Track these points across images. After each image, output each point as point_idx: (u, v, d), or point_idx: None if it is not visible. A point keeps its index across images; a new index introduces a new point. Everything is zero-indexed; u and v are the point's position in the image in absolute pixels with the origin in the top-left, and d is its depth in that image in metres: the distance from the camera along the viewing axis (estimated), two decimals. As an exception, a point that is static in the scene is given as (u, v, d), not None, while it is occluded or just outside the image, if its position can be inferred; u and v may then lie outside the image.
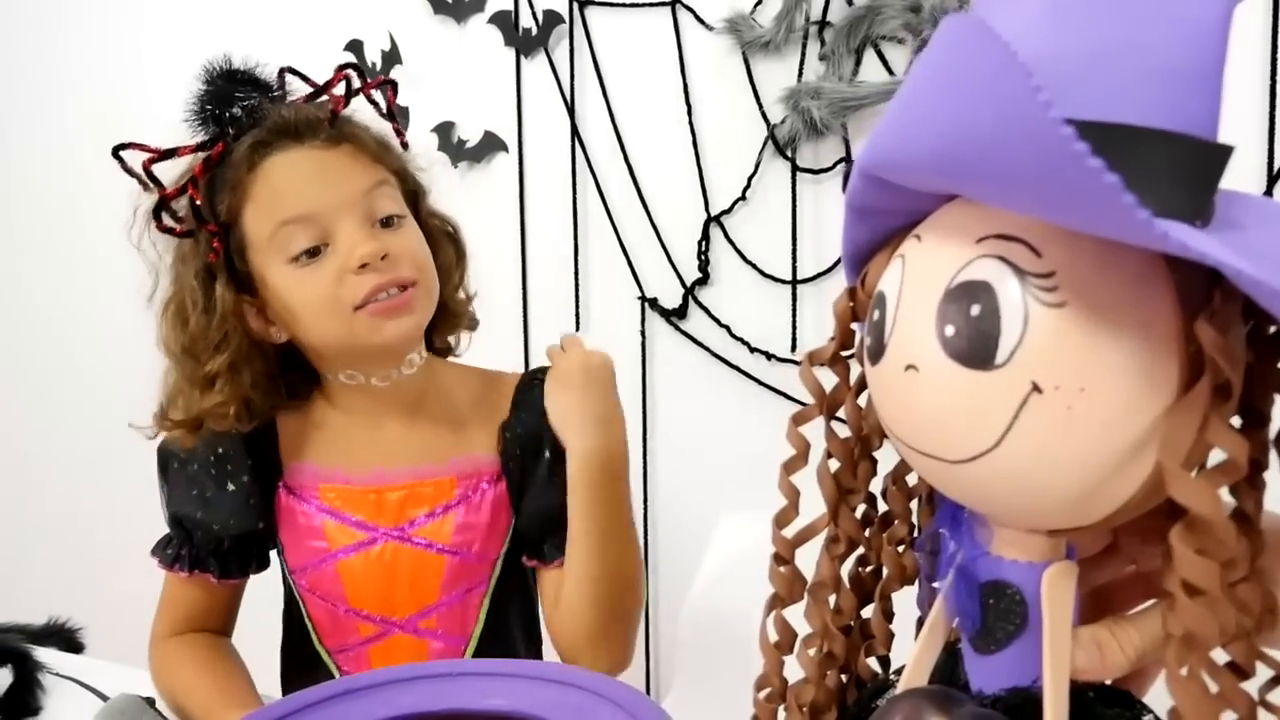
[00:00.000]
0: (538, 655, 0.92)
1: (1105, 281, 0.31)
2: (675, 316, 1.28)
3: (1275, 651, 0.34)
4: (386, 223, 0.76)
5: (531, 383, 0.85)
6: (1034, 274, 0.31)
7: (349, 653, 0.84)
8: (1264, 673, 0.34)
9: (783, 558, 0.41)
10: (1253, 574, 0.33)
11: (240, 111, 0.74)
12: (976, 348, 0.32)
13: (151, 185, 0.73)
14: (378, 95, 0.80)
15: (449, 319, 0.85)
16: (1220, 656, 0.33)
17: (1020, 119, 0.27)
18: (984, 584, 0.36)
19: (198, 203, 0.74)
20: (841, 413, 0.41)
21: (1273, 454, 0.34)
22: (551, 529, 0.84)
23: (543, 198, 1.33)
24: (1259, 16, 1.00)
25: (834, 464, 0.40)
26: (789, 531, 0.41)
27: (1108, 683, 0.37)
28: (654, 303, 1.29)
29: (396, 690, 0.53)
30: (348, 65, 0.80)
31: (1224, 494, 0.32)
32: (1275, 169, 1.02)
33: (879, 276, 0.37)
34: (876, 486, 0.42)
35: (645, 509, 1.33)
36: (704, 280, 1.26)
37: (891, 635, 0.43)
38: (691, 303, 1.27)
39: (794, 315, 1.22)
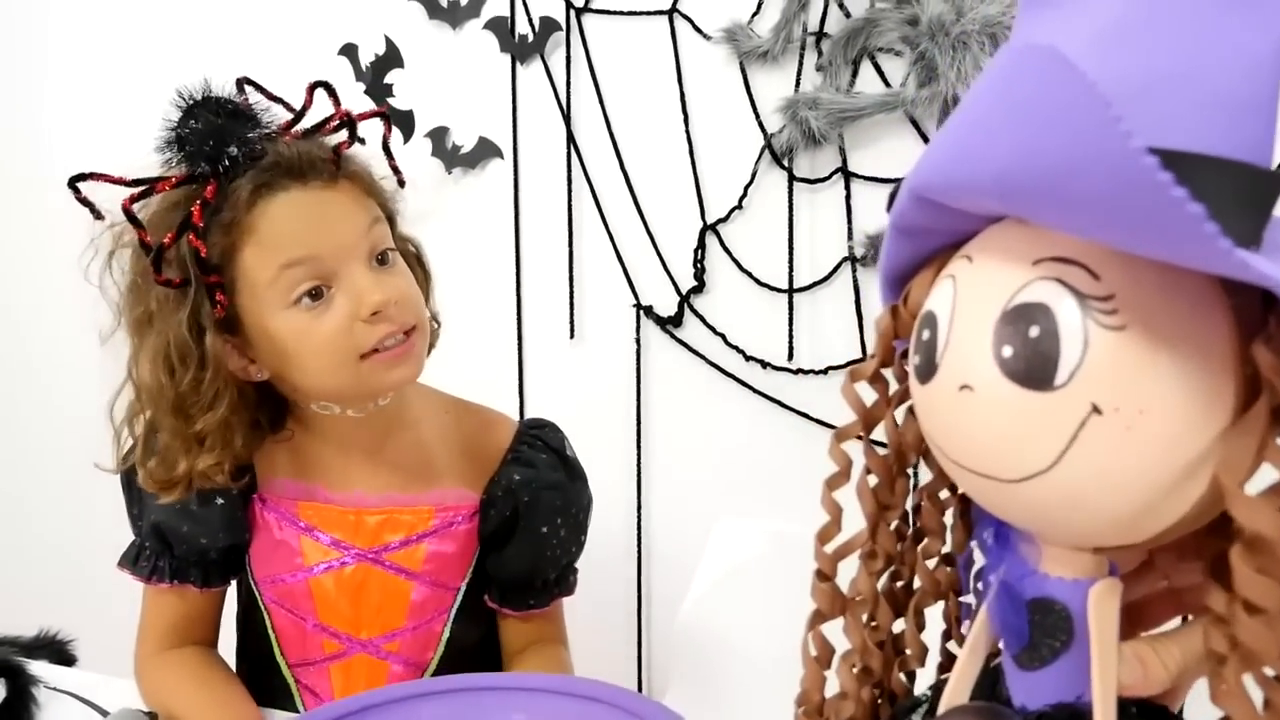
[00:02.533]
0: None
1: (1164, 305, 0.31)
2: (671, 325, 1.28)
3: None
4: (382, 259, 0.74)
5: (534, 439, 0.86)
6: (1094, 297, 0.31)
7: (310, 667, 0.83)
8: None
9: (825, 574, 0.41)
10: None
11: (238, 150, 0.70)
12: (1035, 369, 0.32)
13: (130, 227, 0.68)
14: (374, 129, 0.78)
15: None
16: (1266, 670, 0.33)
17: (1100, 148, 0.27)
18: (1030, 601, 0.36)
19: (201, 253, 0.69)
20: (879, 430, 0.41)
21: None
22: (526, 582, 0.85)
23: (538, 205, 1.33)
24: None
25: (872, 480, 0.41)
26: (830, 548, 0.41)
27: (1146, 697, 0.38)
28: (649, 311, 1.29)
29: (417, 705, 0.52)
30: (318, 84, 0.76)
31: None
32: None
33: (923, 295, 0.37)
34: (908, 502, 0.43)
35: (639, 516, 1.32)
36: (699, 288, 1.26)
37: (925, 650, 0.43)
38: (687, 311, 1.27)
39: (790, 324, 1.22)
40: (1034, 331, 0.32)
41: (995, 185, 0.31)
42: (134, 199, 0.68)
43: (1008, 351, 0.32)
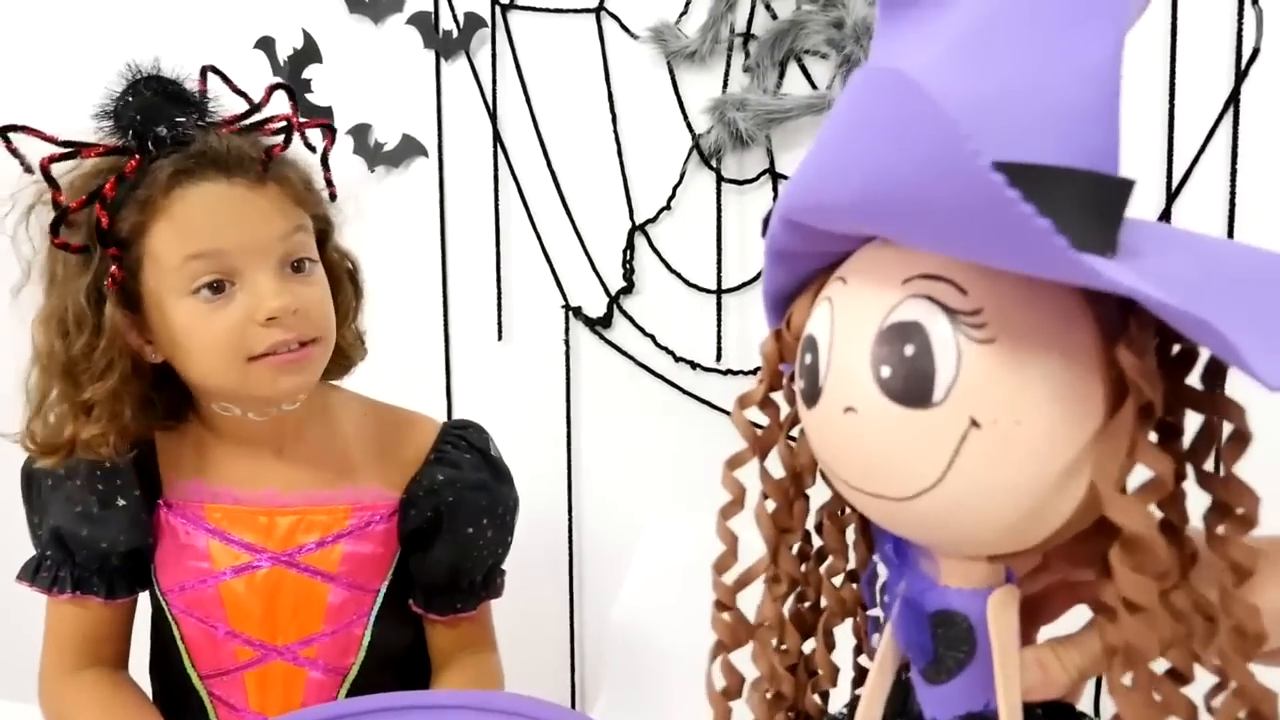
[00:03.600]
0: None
1: (1030, 315, 0.32)
2: (600, 325, 1.27)
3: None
4: (297, 266, 0.73)
5: (457, 439, 0.85)
6: (963, 311, 0.32)
7: (223, 678, 0.81)
8: (1205, 679, 0.36)
9: (724, 604, 0.41)
10: (1183, 583, 0.34)
11: (166, 130, 0.70)
12: (913, 387, 0.32)
13: (47, 185, 0.68)
14: (315, 136, 0.77)
15: (339, 358, 0.82)
16: (1160, 665, 0.34)
17: (949, 167, 0.28)
18: (932, 614, 0.36)
19: (103, 224, 0.69)
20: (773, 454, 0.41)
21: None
22: (452, 584, 0.84)
23: (463, 204, 1.30)
24: (1159, 30, 1.05)
25: (770, 504, 0.41)
26: (729, 578, 0.41)
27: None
28: (578, 311, 1.28)
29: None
30: (280, 86, 0.76)
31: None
32: (1173, 188, 1.07)
33: (805, 318, 0.38)
34: (809, 522, 0.43)
35: (570, 517, 1.31)
36: (629, 289, 1.26)
37: (836, 670, 0.43)
38: (616, 312, 1.27)
39: (719, 324, 1.23)
40: (909, 350, 0.32)
41: (856, 207, 0.32)
42: (55, 158, 0.68)
43: (886, 371, 0.33)
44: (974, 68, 0.32)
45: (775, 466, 0.41)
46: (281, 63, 1.31)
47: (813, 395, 0.36)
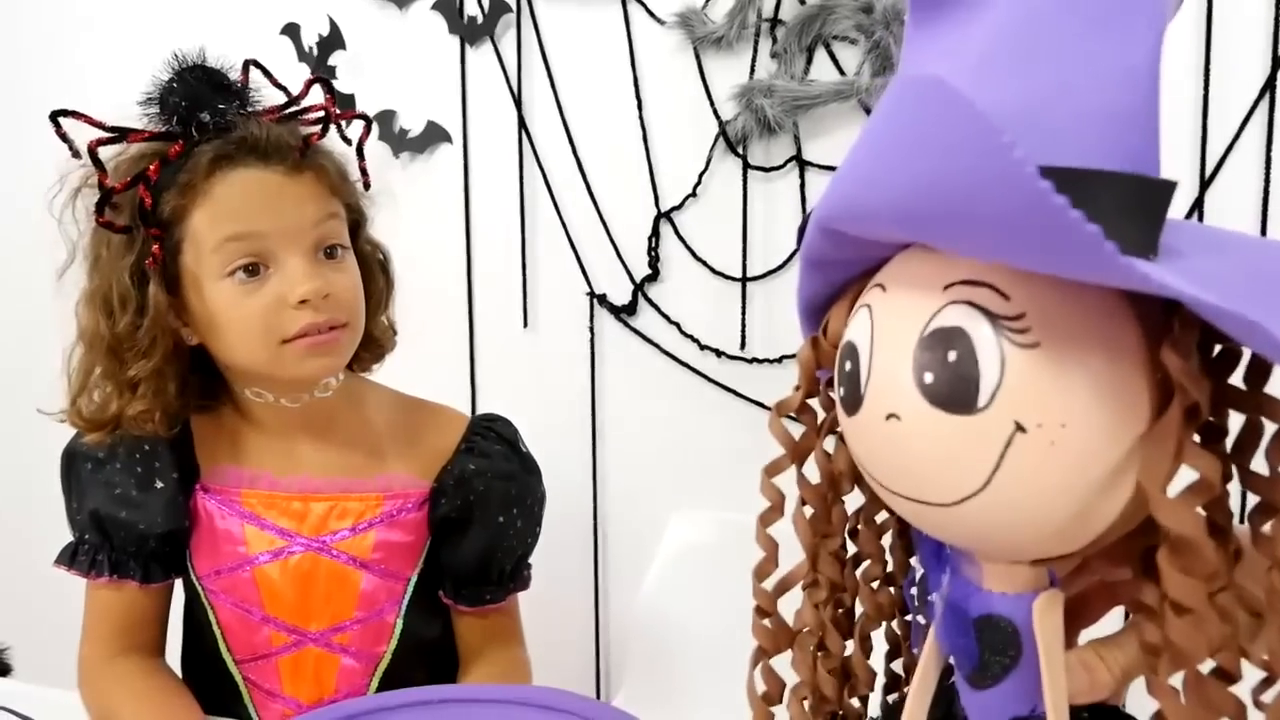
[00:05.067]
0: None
1: (1073, 319, 0.32)
2: (624, 313, 1.27)
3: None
4: (330, 253, 0.75)
5: (486, 430, 0.86)
6: (1005, 317, 0.32)
7: (258, 663, 0.82)
8: (1254, 674, 0.36)
9: (765, 610, 0.41)
10: (1232, 583, 0.34)
11: (209, 117, 0.72)
12: (958, 393, 0.32)
13: (94, 168, 0.70)
14: (352, 128, 0.79)
15: (371, 346, 0.84)
16: (1205, 664, 0.34)
17: (995, 174, 0.28)
18: (976, 619, 0.36)
19: (146, 205, 0.71)
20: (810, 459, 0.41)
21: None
22: (481, 574, 0.85)
23: (488, 191, 1.30)
24: (1195, 21, 1.03)
25: (808, 510, 0.41)
26: (769, 584, 0.41)
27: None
28: (603, 299, 1.28)
29: (389, 717, 0.51)
30: (317, 79, 0.78)
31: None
32: (1205, 178, 1.05)
33: (842, 325, 0.37)
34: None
35: (595, 505, 1.32)
36: (654, 277, 1.25)
37: (874, 674, 0.43)
38: (641, 299, 1.26)
39: (744, 313, 1.22)
40: (952, 356, 0.32)
41: (897, 215, 0.32)
42: (102, 142, 0.70)
43: (929, 378, 0.33)
44: (1011, 73, 0.32)
45: (812, 472, 0.41)
46: (307, 48, 1.31)
47: (854, 402, 0.36)
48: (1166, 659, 0.33)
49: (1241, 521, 0.35)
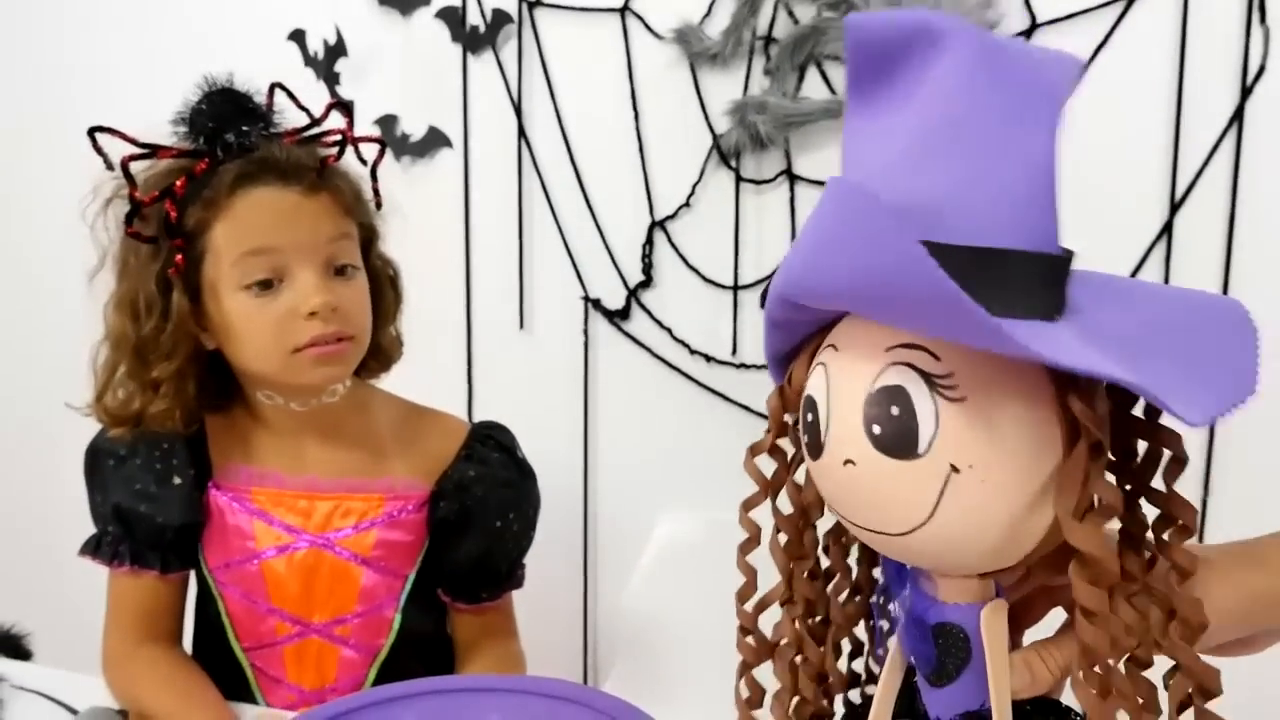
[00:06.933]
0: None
1: (994, 374, 0.38)
2: (618, 317, 1.31)
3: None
4: (340, 271, 0.80)
5: (486, 438, 0.91)
6: (937, 375, 0.38)
7: (263, 650, 0.87)
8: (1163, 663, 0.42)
9: (747, 629, 0.47)
10: (1145, 586, 0.40)
11: (234, 138, 0.77)
12: (901, 442, 0.38)
13: (125, 181, 0.74)
14: (367, 150, 0.84)
15: (379, 356, 0.89)
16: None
17: (902, 264, 0.34)
18: (934, 627, 0.42)
19: (172, 218, 0.76)
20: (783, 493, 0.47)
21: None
22: (479, 573, 0.90)
23: (488, 195, 1.34)
24: (1168, 46, 1.08)
25: (783, 538, 0.47)
26: (749, 605, 0.47)
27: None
28: (597, 303, 1.32)
29: (394, 709, 0.55)
30: (337, 104, 0.83)
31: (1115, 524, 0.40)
32: (1175, 201, 1.10)
33: (804, 377, 0.43)
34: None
35: (585, 506, 1.36)
36: (647, 283, 1.29)
37: (844, 677, 0.49)
38: (634, 305, 1.31)
39: (735, 320, 1.26)
40: (895, 410, 0.38)
41: (834, 294, 0.38)
42: (134, 157, 0.75)
43: (877, 429, 0.38)
44: (936, 161, 0.38)
45: (785, 504, 0.47)
46: (313, 54, 1.34)
47: (816, 449, 0.41)
48: (1077, 655, 0.39)
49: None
